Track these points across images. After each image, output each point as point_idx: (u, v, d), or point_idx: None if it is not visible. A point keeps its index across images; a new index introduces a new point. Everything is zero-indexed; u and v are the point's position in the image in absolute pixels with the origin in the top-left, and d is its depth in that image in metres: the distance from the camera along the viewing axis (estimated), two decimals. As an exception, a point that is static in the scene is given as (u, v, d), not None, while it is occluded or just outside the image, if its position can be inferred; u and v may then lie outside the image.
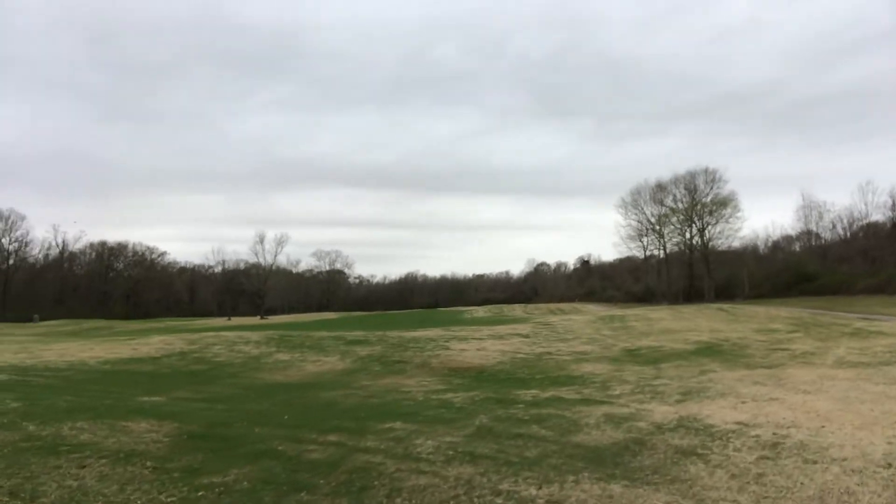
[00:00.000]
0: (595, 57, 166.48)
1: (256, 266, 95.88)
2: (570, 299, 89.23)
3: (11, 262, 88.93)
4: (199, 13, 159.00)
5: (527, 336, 28.31)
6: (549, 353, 22.78)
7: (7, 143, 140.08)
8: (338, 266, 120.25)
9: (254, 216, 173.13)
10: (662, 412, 10.15)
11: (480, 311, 66.04)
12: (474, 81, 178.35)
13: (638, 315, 36.97)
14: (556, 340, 26.70)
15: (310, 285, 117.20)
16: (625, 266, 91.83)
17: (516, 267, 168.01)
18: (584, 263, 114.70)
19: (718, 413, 9.86)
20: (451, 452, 7.49)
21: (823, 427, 8.58)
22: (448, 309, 80.00)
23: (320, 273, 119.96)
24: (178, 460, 7.22)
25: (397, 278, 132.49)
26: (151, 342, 27.72)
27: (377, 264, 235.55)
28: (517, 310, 67.54)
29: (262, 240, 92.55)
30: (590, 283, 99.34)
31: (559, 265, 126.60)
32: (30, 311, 75.27)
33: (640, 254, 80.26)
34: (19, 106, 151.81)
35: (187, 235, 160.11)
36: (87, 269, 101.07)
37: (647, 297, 75.31)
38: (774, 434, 8.23)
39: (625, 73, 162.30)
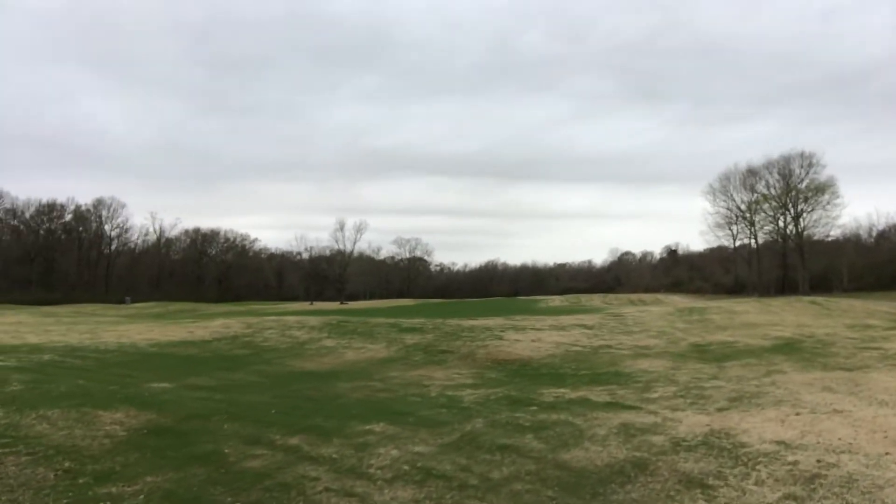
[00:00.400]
0: (689, 38, 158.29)
1: (341, 253, 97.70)
2: (655, 290, 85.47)
3: (113, 247, 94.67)
4: (292, 9, 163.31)
5: (590, 327, 26.60)
6: (608, 347, 21.14)
7: (114, 137, 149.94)
8: (417, 253, 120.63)
9: (340, 204, 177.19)
10: (692, 423, 8.56)
11: (557, 301, 63.98)
12: (560, 67, 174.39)
13: (720, 307, 34.24)
14: (621, 333, 24.87)
15: (390, 272, 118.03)
16: (714, 256, 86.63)
17: (599, 256, 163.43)
18: (671, 253, 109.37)
19: (760, 427, 8.16)
20: (405, 468, 6.36)
21: (887, 455, 6.76)
22: (526, 298, 78.24)
23: (401, 260, 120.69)
24: (106, 461, 6.51)
25: (477, 266, 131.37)
26: (212, 325, 28.05)
27: (458, 252, 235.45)
28: (595, 300, 65.03)
29: (342, 227, 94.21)
30: (676, 273, 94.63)
31: (644, 254, 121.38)
32: (129, 293, 79.74)
33: (728, 242, 75.38)
34: (125, 102, 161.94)
35: (277, 223, 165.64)
36: (182, 255, 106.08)
37: (736, 289, 70.84)
38: (819, 461, 6.53)
39: (721, 55, 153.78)
